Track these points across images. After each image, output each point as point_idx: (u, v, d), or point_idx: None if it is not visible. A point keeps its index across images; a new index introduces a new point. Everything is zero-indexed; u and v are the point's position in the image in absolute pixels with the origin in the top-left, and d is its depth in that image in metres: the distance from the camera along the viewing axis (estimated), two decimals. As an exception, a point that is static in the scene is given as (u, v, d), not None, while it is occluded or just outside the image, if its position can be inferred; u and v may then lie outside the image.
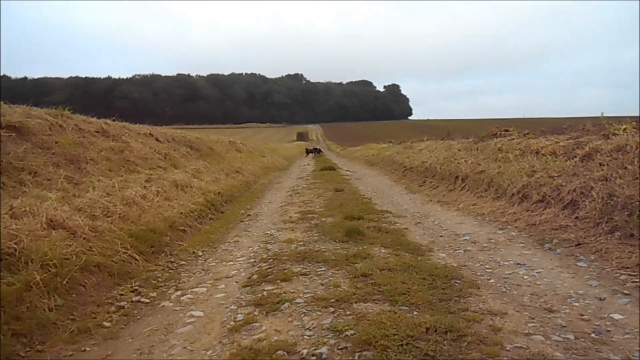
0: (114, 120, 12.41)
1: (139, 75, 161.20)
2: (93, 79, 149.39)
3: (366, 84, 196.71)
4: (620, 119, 9.51)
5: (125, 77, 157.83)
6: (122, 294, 4.53)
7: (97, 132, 10.58)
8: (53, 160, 7.54)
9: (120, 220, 6.25)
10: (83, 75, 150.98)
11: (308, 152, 37.57)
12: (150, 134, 13.69)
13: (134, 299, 4.43)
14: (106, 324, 3.83)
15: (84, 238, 5.09)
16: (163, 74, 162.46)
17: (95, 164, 8.72)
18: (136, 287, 4.71)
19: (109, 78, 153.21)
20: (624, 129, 8.01)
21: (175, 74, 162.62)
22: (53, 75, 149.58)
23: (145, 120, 16.44)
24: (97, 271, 4.72)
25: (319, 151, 36.97)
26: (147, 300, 4.41)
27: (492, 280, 4.67)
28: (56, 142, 8.16)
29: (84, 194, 6.66)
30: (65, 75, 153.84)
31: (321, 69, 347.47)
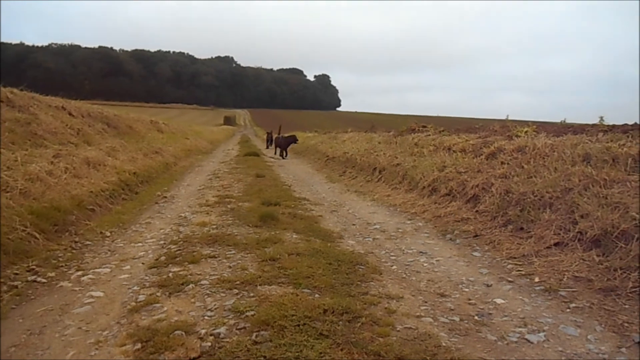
0: (22, 90, 11.58)
1: (55, 44, 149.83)
2: (3, 44, 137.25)
3: (297, 72, 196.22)
4: (524, 122, 10.26)
5: (40, 45, 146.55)
6: (16, 274, 4.29)
7: (1, 101, 9.85)
8: (-54, 128, 6.94)
9: (20, 196, 5.89)
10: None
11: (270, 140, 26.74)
12: (62, 107, 12.89)
13: (30, 278, 4.22)
14: (-5, 303, 3.64)
15: (-24, 213, 4.77)
16: (83, 45, 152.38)
17: (-3, 136, 8.13)
18: (33, 267, 4.49)
19: (22, 44, 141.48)
20: (526, 131, 8.64)
21: (96, 45, 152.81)
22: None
23: (61, 93, 15.37)
24: (-11, 249, 4.45)
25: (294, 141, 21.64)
26: (44, 280, 4.22)
27: (394, 267, 4.93)
28: (-50, 110, 7.52)
29: (-20, 166, 6.21)
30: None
31: (252, 53, 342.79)
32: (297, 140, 21.70)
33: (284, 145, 21.26)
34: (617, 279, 4.05)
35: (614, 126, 7.85)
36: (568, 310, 3.77)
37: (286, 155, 20.89)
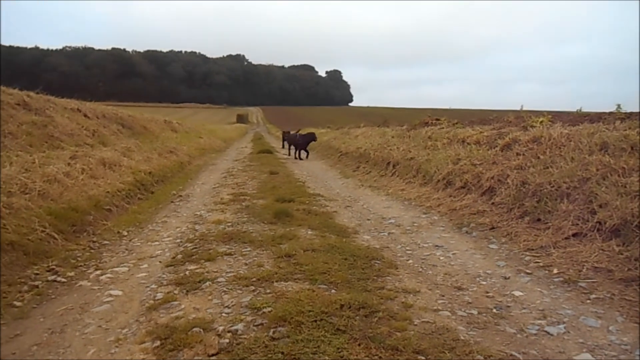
0: (37, 93, 11.75)
1: (69, 47, 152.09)
2: (18, 48, 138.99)
3: (308, 69, 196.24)
4: (539, 113, 10.11)
5: (54, 48, 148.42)
6: (37, 274, 4.37)
7: (18, 104, 10.03)
8: (-35, 133, 7.07)
9: (39, 197, 6.00)
10: (7, 44, 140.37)
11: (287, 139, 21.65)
12: (77, 109, 13.10)
13: (50, 278, 4.29)
14: (17, 303, 3.70)
15: (-3, 215, 4.85)
16: (96, 47, 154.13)
17: (14, 139, 8.28)
18: (53, 267, 4.56)
19: (37, 48, 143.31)
20: (541, 122, 8.53)
21: (109, 47, 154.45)
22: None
23: (76, 95, 15.57)
24: (10, 250, 4.52)
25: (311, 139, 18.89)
26: (63, 280, 4.29)
27: (410, 261, 4.90)
28: (-31, 114, 7.65)
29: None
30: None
31: (264, 51, 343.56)
32: (316, 138, 19.24)
33: (302, 144, 18.60)
34: (638, 268, 3.99)
35: (631, 114, 7.70)
36: (588, 301, 3.72)
37: (307, 156, 18.55)
